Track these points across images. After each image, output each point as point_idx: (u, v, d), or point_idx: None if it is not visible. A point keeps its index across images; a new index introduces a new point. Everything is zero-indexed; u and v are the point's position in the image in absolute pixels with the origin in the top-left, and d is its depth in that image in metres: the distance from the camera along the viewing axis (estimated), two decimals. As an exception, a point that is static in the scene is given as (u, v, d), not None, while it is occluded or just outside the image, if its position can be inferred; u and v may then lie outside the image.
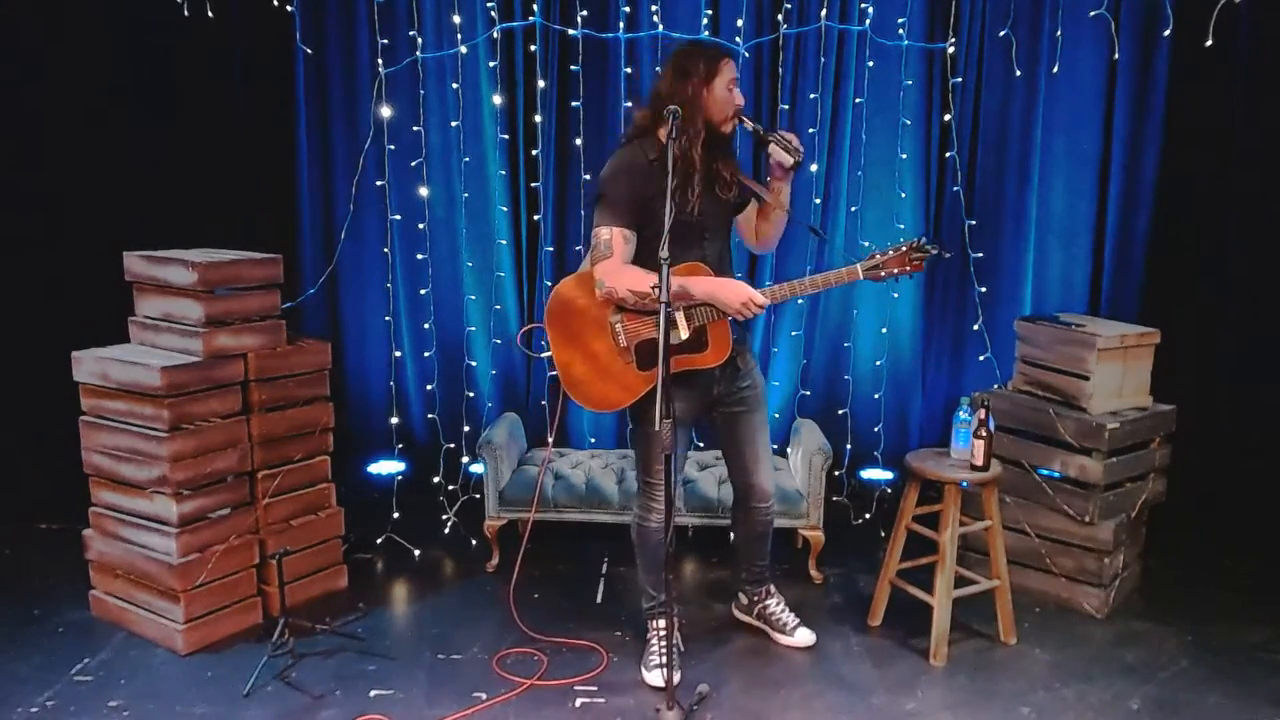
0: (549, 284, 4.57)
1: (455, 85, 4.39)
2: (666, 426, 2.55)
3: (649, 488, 3.08)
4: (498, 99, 4.39)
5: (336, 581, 3.71)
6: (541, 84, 4.38)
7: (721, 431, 3.17)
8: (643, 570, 3.18)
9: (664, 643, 3.05)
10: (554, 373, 4.41)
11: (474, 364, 4.60)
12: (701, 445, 4.59)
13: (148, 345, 3.39)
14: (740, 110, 2.88)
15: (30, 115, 4.44)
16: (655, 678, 3.04)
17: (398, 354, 4.64)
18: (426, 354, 4.57)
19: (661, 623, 3.12)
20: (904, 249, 2.81)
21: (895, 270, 2.82)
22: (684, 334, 2.83)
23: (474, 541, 4.12)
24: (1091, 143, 4.36)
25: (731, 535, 4.04)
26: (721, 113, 2.85)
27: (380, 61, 4.23)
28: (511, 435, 4.11)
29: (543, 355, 3.05)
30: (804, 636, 3.31)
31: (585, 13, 4.27)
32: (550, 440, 4.12)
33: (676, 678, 2.93)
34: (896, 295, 4.51)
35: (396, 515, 4.18)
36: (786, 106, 4.40)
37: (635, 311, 2.88)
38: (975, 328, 4.42)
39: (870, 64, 4.32)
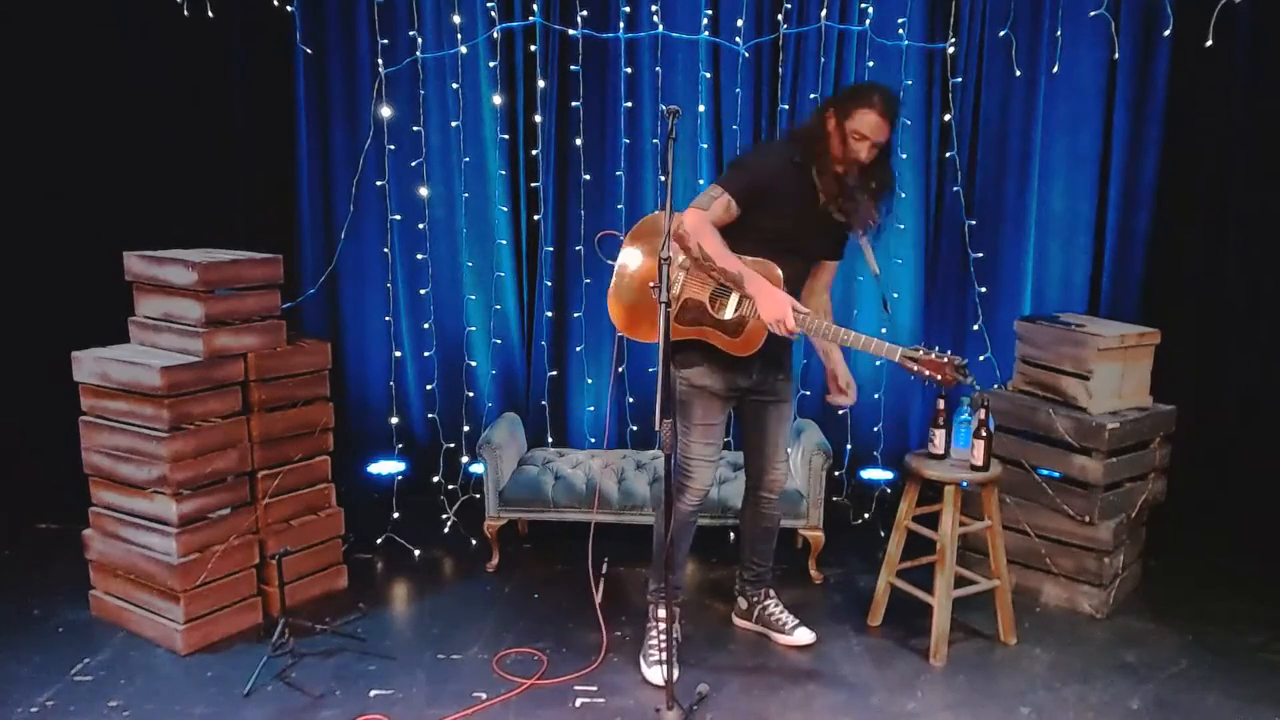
0: (549, 284, 4.57)
1: (455, 85, 4.39)
2: (667, 426, 2.58)
3: (680, 468, 3.10)
4: (498, 99, 4.38)
5: (336, 581, 3.71)
6: (541, 84, 4.38)
7: (747, 419, 3.22)
8: (655, 553, 3.23)
9: (663, 637, 3.10)
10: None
11: (474, 364, 4.60)
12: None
13: (148, 345, 3.39)
14: (854, 161, 2.90)
15: (30, 115, 4.44)
16: (654, 674, 3.05)
17: (398, 354, 4.64)
18: (426, 354, 4.57)
19: (662, 612, 3.17)
20: (945, 360, 2.81)
21: (927, 372, 2.82)
22: (727, 314, 2.91)
23: (474, 541, 4.12)
24: (1091, 143, 4.36)
25: (733, 535, 4.06)
26: (838, 154, 2.89)
27: (380, 61, 4.23)
28: (511, 435, 4.11)
29: (609, 261, 3.15)
30: (803, 635, 3.32)
31: (585, 13, 4.27)
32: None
33: (675, 674, 2.96)
34: (896, 295, 4.51)
35: (396, 515, 4.18)
36: (786, 106, 4.40)
37: (699, 272, 2.96)
38: (975, 328, 4.42)
39: (870, 64, 4.32)
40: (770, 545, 3.37)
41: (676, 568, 3.26)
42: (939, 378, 2.80)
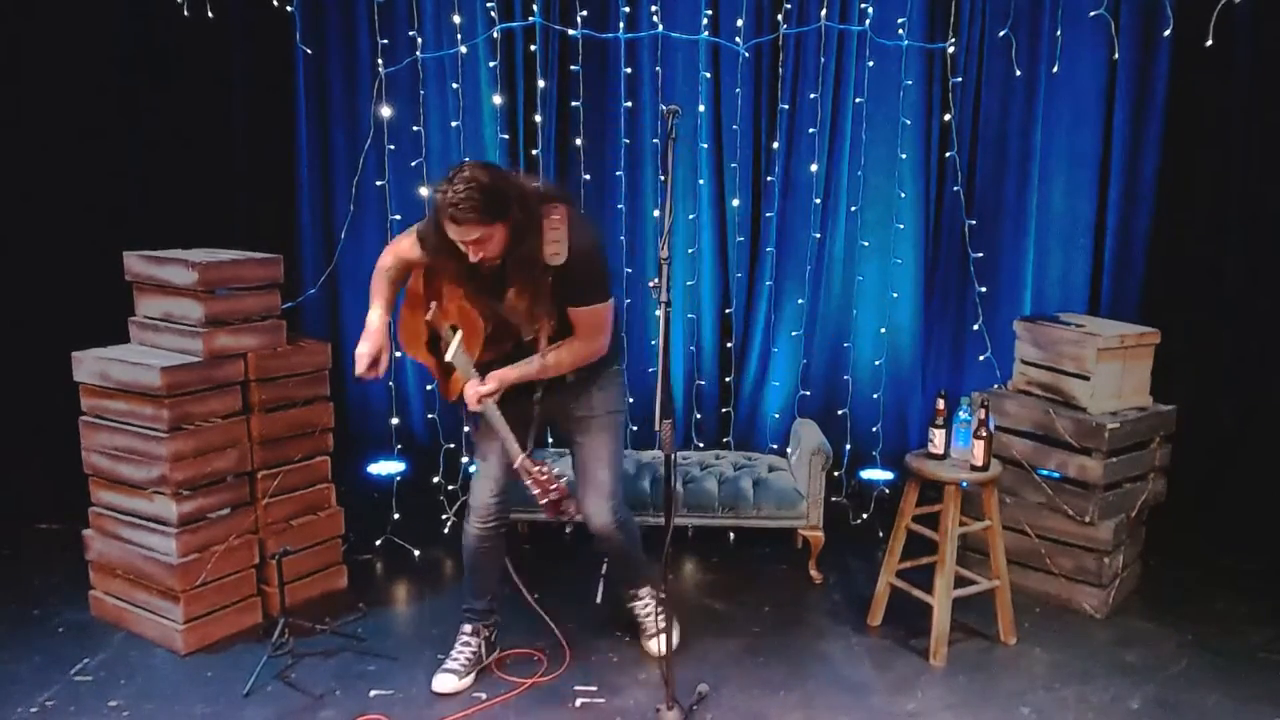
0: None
1: (455, 85, 4.39)
2: (668, 427, 2.58)
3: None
4: (498, 99, 4.38)
5: (336, 581, 3.71)
6: (541, 84, 4.38)
7: (569, 446, 3.09)
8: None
9: (467, 647, 3.09)
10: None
11: (474, 364, 4.59)
12: (701, 445, 4.59)
13: (148, 345, 3.39)
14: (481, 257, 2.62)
15: (30, 115, 4.44)
16: (440, 683, 3.00)
17: (398, 354, 4.62)
18: (426, 354, 4.56)
19: (468, 627, 3.10)
20: (554, 486, 2.73)
21: (535, 490, 2.73)
22: (448, 356, 2.87)
23: (474, 541, 4.12)
24: (1091, 143, 4.36)
25: (732, 536, 4.06)
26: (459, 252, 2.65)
27: (380, 61, 4.23)
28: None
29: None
30: (653, 647, 3.21)
31: (585, 13, 4.27)
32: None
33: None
34: (896, 295, 4.51)
35: (396, 515, 4.17)
36: (786, 106, 4.41)
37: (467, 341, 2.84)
38: (975, 328, 4.42)
39: (870, 64, 4.32)
40: (625, 565, 3.20)
41: (481, 594, 3.09)
42: (543, 501, 2.73)
